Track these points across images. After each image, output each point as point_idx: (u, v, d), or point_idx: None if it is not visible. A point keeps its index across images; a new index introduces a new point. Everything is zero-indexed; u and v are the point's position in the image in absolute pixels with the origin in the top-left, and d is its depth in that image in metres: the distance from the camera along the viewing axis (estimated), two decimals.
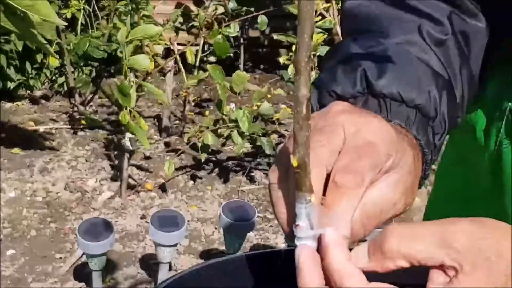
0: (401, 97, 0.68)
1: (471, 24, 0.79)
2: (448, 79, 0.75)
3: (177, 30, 3.26)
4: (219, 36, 2.95)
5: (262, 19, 3.37)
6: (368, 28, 0.77)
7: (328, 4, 3.21)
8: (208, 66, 2.69)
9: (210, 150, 3.37)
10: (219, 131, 2.91)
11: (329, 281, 0.54)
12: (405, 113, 0.68)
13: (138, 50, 3.01)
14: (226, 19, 3.11)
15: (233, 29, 3.03)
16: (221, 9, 3.12)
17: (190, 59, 3.04)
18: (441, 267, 0.53)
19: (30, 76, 3.78)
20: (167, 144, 3.58)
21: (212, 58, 3.76)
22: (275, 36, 2.92)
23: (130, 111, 2.60)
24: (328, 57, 0.76)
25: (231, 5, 3.58)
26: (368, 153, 0.57)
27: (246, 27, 4.20)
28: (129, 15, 3.08)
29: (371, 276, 0.55)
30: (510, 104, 0.82)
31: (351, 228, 0.56)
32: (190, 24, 3.25)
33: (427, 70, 0.73)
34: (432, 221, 0.55)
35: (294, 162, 0.53)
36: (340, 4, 3.31)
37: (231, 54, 4.00)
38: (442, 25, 0.77)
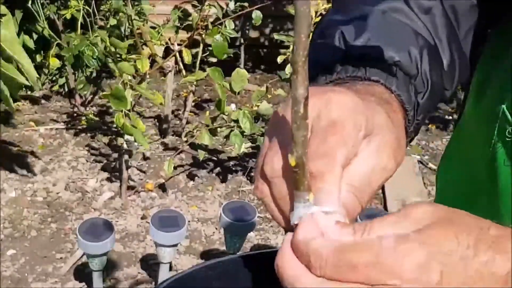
0: (380, 55, 0.69)
1: (461, 1, 0.79)
2: (434, 45, 0.75)
3: (177, 30, 3.26)
4: (218, 36, 2.96)
5: (257, 14, 3.37)
6: (353, 1, 0.77)
7: (329, 5, 3.21)
8: (208, 70, 2.70)
9: (210, 150, 3.38)
10: (219, 129, 2.91)
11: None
12: (384, 71, 0.68)
13: (134, 50, 3.02)
14: (221, 18, 3.11)
15: (229, 26, 3.03)
16: (214, 9, 3.12)
17: (187, 59, 3.04)
18: None
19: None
20: (167, 145, 3.58)
21: (213, 59, 3.76)
22: (276, 36, 2.92)
23: (126, 113, 2.61)
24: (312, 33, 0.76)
25: (231, 5, 3.58)
26: (334, 132, 0.55)
27: (246, 27, 4.20)
28: (126, 16, 3.08)
29: None
30: (503, 106, 0.82)
31: (343, 206, 0.55)
32: (185, 24, 3.25)
33: (408, 30, 0.73)
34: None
35: (292, 161, 0.54)
36: None
37: (231, 55, 4.00)
38: None
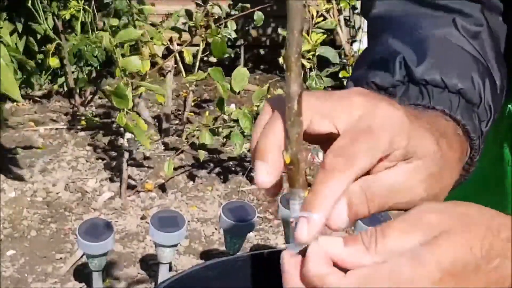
0: (443, 82, 0.66)
1: (498, 21, 0.78)
2: (488, 68, 0.73)
3: (178, 30, 3.26)
4: (218, 36, 2.96)
5: (258, 15, 3.37)
6: (401, 27, 0.74)
7: (329, 5, 3.21)
8: (210, 70, 2.70)
9: (210, 151, 3.37)
10: (219, 129, 2.91)
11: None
12: (447, 99, 0.66)
13: (134, 51, 3.02)
14: (222, 18, 3.11)
15: (230, 27, 3.03)
16: (216, 9, 3.12)
17: (188, 59, 3.04)
18: None
19: (30, 76, 3.78)
20: (167, 145, 3.58)
21: (213, 59, 3.76)
22: (280, 31, 2.92)
23: (128, 112, 2.60)
24: (362, 56, 0.74)
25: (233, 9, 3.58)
26: (365, 138, 0.54)
27: (247, 27, 4.20)
28: (127, 16, 3.08)
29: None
30: (510, 106, 0.82)
31: (348, 204, 0.55)
32: (186, 23, 3.25)
33: (468, 56, 0.70)
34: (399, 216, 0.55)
35: (286, 159, 0.53)
36: (340, 5, 3.32)
37: (231, 55, 4.00)
38: (474, 19, 0.74)
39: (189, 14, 3.21)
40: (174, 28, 3.21)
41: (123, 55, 2.81)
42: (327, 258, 0.53)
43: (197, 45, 3.22)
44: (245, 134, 2.85)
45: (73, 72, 3.70)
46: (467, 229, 0.52)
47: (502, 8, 0.77)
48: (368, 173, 0.56)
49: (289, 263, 0.54)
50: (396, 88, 0.66)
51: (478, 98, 0.68)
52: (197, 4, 3.26)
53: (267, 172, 0.54)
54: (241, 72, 2.67)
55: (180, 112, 3.75)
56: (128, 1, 2.99)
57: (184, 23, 3.27)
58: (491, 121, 0.69)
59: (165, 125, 3.61)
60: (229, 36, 3.04)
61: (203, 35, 3.04)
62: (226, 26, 3.03)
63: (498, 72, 0.73)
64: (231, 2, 3.56)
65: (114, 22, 3.32)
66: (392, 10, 0.76)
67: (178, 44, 3.21)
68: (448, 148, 0.61)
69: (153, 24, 3.24)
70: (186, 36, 3.20)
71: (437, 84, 0.66)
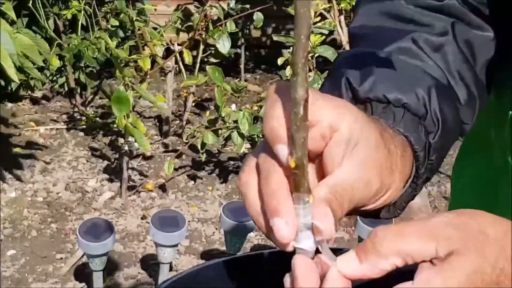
0: (386, 98, 0.68)
1: (476, 34, 0.79)
2: (447, 82, 0.74)
3: (177, 31, 3.26)
4: (220, 36, 2.96)
5: (258, 16, 3.37)
6: (357, 43, 0.78)
7: (329, 5, 3.21)
8: (208, 68, 2.70)
9: (210, 151, 3.37)
10: (219, 131, 2.91)
11: None
12: (391, 113, 0.68)
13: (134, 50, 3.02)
14: (222, 19, 3.11)
15: (229, 27, 3.03)
16: (215, 10, 3.12)
17: (188, 59, 3.04)
18: (431, 261, 0.53)
19: (31, 76, 3.77)
20: (167, 145, 3.58)
21: (213, 59, 3.76)
22: (275, 38, 2.92)
23: (128, 115, 2.61)
24: (330, 72, 0.76)
25: (232, 4, 3.58)
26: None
27: (247, 27, 4.20)
28: (128, 17, 3.08)
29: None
30: (511, 112, 0.82)
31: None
32: (186, 25, 3.25)
33: (414, 70, 0.72)
34: (415, 220, 0.55)
35: (291, 163, 0.53)
36: (341, 5, 3.32)
37: (232, 55, 4.00)
38: (441, 32, 0.76)
39: (188, 15, 3.22)
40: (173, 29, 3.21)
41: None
42: (344, 282, 0.54)
43: (197, 45, 3.22)
44: (245, 135, 2.86)
45: (73, 73, 3.70)
46: (481, 252, 0.53)
47: (481, 23, 0.79)
48: (323, 176, 0.58)
49: (300, 266, 0.54)
50: None
51: (424, 110, 0.69)
52: (196, 6, 3.26)
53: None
54: (238, 85, 2.71)
55: (181, 112, 3.75)
56: (126, 2, 2.99)
57: (182, 24, 3.27)
58: (439, 131, 0.70)
59: (165, 126, 3.61)
60: (232, 31, 3.04)
61: (203, 36, 3.04)
62: (225, 26, 3.03)
63: (463, 85, 0.75)
64: (230, 2, 3.56)
65: (114, 22, 3.32)
66: (363, 26, 0.79)
67: (179, 45, 3.21)
68: (396, 147, 0.63)
69: (154, 28, 3.25)
70: (186, 36, 3.20)
71: (380, 100, 0.68)
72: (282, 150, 0.54)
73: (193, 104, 3.76)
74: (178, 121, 3.75)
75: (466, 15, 0.79)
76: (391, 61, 0.72)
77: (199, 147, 2.96)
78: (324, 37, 3.06)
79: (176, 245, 2.22)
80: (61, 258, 2.82)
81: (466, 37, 0.78)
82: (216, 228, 3.00)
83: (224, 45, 3.00)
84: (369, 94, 0.68)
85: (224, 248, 2.63)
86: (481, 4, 0.79)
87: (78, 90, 3.76)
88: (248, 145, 3.09)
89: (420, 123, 0.69)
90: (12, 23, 3.35)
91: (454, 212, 0.56)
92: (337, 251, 0.56)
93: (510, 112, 0.83)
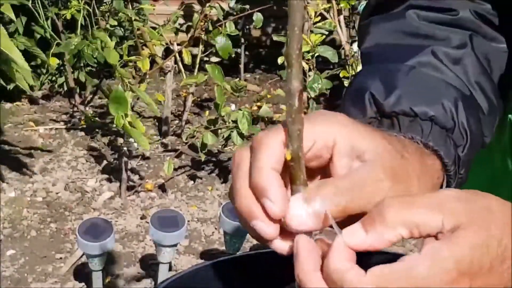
0: (413, 111, 0.67)
1: (491, 46, 0.78)
2: (470, 93, 0.73)
3: (177, 31, 3.26)
4: (222, 38, 2.96)
5: (258, 16, 3.37)
6: (377, 60, 0.77)
7: (329, 5, 3.21)
8: (207, 66, 2.69)
9: (210, 150, 3.37)
10: (219, 131, 2.91)
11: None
12: (418, 126, 0.67)
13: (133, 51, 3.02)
14: (222, 19, 3.11)
15: (229, 28, 3.03)
16: (215, 10, 3.12)
17: (187, 59, 3.04)
18: (436, 236, 0.53)
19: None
20: (166, 145, 3.58)
21: (214, 59, 3.75)
22: (275, 37, 2.92)
23: (126, 114, 2.61)
24: (347, 90, 0.76)
25: (232, 4, 3.58)
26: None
27: (247, 27, 4.20)
28: (126, 17, 3.08)
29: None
30: (510, 116, 0.82)
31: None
32: (186, 25, 3.25)
33: (439, 83, 0.71)
34: (424, 193, 0.55)
35: (287, 155, 0.53)
36: (340, 5, 3.32)
37: (232, 54, 4.00)
38: (459, 45, 0.75)
39: (188, 15, 3.22)
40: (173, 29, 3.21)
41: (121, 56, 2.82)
42: (349, 253, 0.53)
43: (197, 45, 3.22)
44: (245, 135, 2.86)
45: (73, 72, 3.70)
46: (487, 226, 0.53)
47: (495, 35, 0.79)
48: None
49: (304, 248, 0.54)
50: (371, 124, 0.67)
51: (452, 123, 0.69)
52: (200, 4, 3.26)
53: (274, 202, 0.55)
54: (238, 84, 2.71)
55: (180, 112, 3.74)
56: (125, 1, 2.99)
57: (182, 24, 3.27)
58: (467, 144, 0.70)
59: (164, 126, 3.61)
60: (232, 35, 3.04)
61: (202, 36, 3.04)
62: (225, 26, 3.03)
63: (483, 96, 0.74)
64: (229, 1, 3.56)
65: (113, 22, 3.32)
66: (378, 44, 0.78)
67: (178, 45, 3.21)
68: (411, 155, 0.61)
69: (153, 28, 3.24)
70: (184, 36, 3.20)
71: (407, 114, 0.67)
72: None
73: (193, 104, 3.76)
74: (177, 121, 3.75)
75: (480, 27, 0.78)
76: (415, 74, 0.71)
77: (199, 147, 2.96)
78: (324, 37, 3.06)
79: (175, 245, 2.22)
80: (61, 258, 2.82)
81: (484, 49, 0.77)
82: (216, 228, 3.00)
83: (224, 45, 2.99)
84: (395, 108, 0.67)
85: (223, 248, 2.63)
86: (493, 16, 0.78)
87: (78, 90, 3.76)
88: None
89: (448, 136, 0.68)
90: (10, 22, 3.35)
91: (459, 190, 0.56)
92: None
93: (510, 116, 0.83)
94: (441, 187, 0.67)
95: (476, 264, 0.51)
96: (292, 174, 0.55)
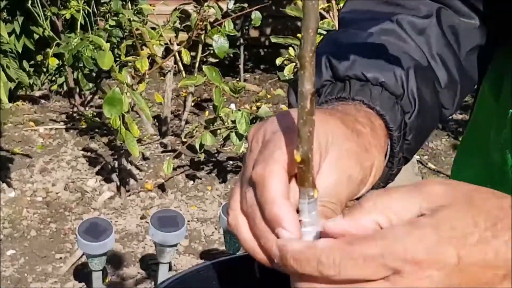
0: (364, 76, 0.70)
1: (462, 21, 0.81)
2: (428, 64, 0.76)
3: (176, 30, 3.26)
4: (219, 37, 2.96)
5: (256, 15, 3.37)
6: (351, 27, 0.79)
7: (328, 4, 3.21)
8: (204, 68, 2.69)
9: (209, 151, 3.38)
10: (218, 132, 2.91)
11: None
12: (368, 90, 0.70)
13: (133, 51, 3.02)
14: (220, 19, 3.11)
15: (228, 27, 3.03)
16: (213, 10, 3.12)
17: (186, 59, 3.04)
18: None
19: (30, 76, 3.77)
20: (166, 145, 3.58)
21: (213, 59, 3.75)
22: (273, 39, 2.93)
23: (124, 116, 2.60)
24: None
25: (231, 5, 3.58)
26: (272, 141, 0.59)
27: (246, 27, 4.20)
28: (125, 17, 3.08)
29: None
30: (511, 111, 0.82)
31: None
32: (185, 25, 3.25)
33: (395, 51, 0.74)
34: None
35: (297, 157, 0.53)
36: (340, 4, 3.32)
37: (231, 55, 4.00)
38: (425, 15, 0.78)
39: (186, 15, 3.22)
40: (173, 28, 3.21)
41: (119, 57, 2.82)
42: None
43: (196, 45, 3.22)
44: (244, 135, 2.86)
45: (72, 72, 3.70)
46: (474, 202, 0.51)
47: (468, 11, 0.81)
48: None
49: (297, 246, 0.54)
50: (324, 87, 0.71)
51: (401, 90, 0.71)
52: (194, 6, 3.26)
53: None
54: (236, 85, 2.73)
55: (180, 112, 3.75)
56: (123, 2, 2.99)
57: (181, 24, 3.27)
58: (415, 111, 0.72)
59: (164, 126, 3.61)
60: (230, 34, 3.04)
61: (201, 36, 3.04)
62: (223, 26, 3.03)
63: (444, 69, 0.77)
64: (228, 2, 3.56)
65: (112, 23, 3.32)
66: (353, 10, 0.82)
67: (178, 45, 3.21)
68: (363, 126, 0.64)
69: (153, 28, 3.24)
70: (184, 36, 3.20)
71: (359, 78, 0.70)
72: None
73: (192, 104, 3.76)
74: (177, 121, 3.75)
75: (453, 1, 0.81)
76: (373, 41, 0.74)
77: (197, 147, 2.97)
78: (322, 37, 3.05)
79: (175, 245, 2.22)
80: (61, 258, 2.82)
81: (452, 23, 0.80)
82: (216, 228, 3.00)
83: (221, 45, 2.99)
84: (348, 72, 0.70)
85: (223, 247, 2.64)
86: None
87: (77, 90, 3.76)
88: (247, 146, 3.10)
89: (397, 102, 0.71)
90: (7, 21, 3.35)
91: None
92: None
93: (510, 110, 0.83)
94: (386, 151, 0.69)
95: (459, 231, 0.50)
96: (300, 176, 0.54)
